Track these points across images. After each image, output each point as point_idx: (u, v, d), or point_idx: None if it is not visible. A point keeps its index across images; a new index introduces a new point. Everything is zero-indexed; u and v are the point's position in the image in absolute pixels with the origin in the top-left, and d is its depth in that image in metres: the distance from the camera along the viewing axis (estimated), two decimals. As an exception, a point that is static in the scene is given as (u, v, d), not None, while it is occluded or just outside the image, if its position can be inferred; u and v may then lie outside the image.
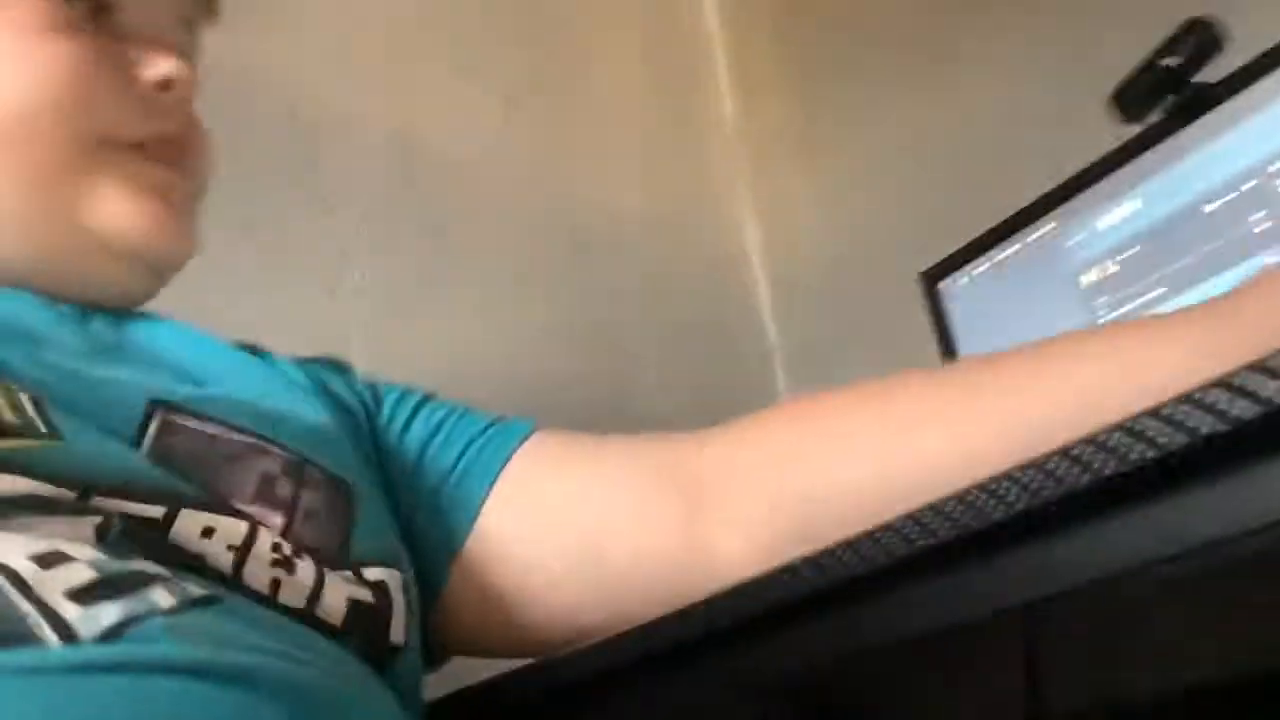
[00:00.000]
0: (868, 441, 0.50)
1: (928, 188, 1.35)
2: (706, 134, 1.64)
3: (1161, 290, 0.93)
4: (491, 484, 0.56)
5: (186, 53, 0.58)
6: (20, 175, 0.51)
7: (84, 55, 0.52)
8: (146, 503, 0.39)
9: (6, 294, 0.50)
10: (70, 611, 0.31)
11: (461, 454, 0.57)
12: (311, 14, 1.20)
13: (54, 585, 0.31)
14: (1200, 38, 0.88)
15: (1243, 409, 0.31)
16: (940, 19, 1.37)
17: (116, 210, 0.53)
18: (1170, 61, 0.89)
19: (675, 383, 1.39)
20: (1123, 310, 0.96)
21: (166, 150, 0.56)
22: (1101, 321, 0.97)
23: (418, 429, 0.59)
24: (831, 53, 1.53)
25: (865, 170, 1.45)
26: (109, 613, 0.31)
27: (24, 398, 0.39)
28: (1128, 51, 1.11)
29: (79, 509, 0.36)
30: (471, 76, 1.35)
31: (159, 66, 0.55)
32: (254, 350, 0.57)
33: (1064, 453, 0.34)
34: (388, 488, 0.56)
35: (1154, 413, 0.32)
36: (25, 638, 0.30)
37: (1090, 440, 0.34)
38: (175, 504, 0.40)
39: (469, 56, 1.36)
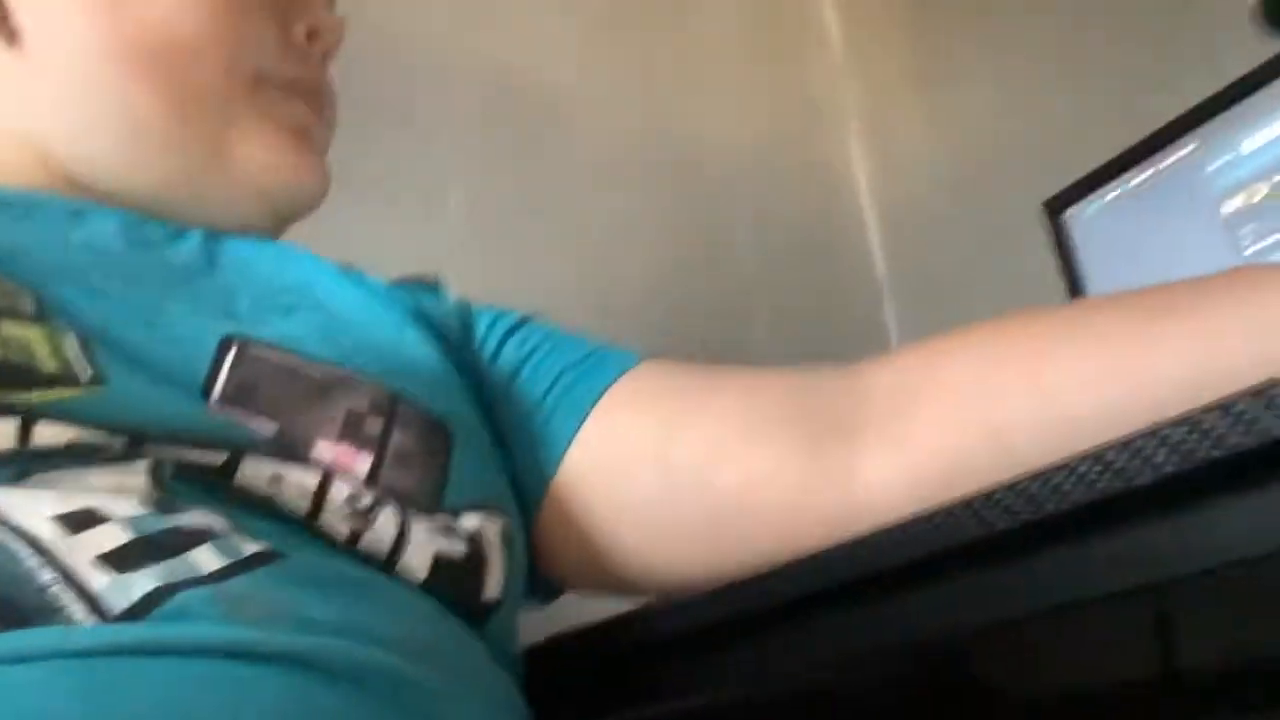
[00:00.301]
0: (1075, 364, 0.42)
1: (1052, 108, 1.26)
2: (812, 55, 1.57)
3: (1316, 218, 0.86)
4: (584, 417, 0.51)
5: (329, 7, 0.60)
6: (174, 98, 0.52)
7: None
8: (204, 449, 0.37)
9: (99, 214, 0.50)
10: (98, 581, 0.28)
11: (554, 383, 0.53)
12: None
13: (82, 550, 0.29)
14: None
15: None
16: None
17: (262, 146, 0.54)
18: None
19: (782, 314, 1.35)
20: (1270, 240, 0.89)
21: (307, 95, 0.57)
22: (1247, 254, 0.90)
23: (510, 354, 0.55)
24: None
25: (983, 90, 1.37)
26: (143, 580, 0.29)
27: (70, 339, 0.38)
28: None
29: (127, 455, 0.34)
30: (570, 4, 1.32)
31: (314, 18, 0.57)
32: (353, 274, 0.55)
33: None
34: (487, 416, 0.53)
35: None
36: (44, 613, 0.27)
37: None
38: (237, 451, 0.38)
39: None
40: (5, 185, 0.50)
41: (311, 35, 0.57)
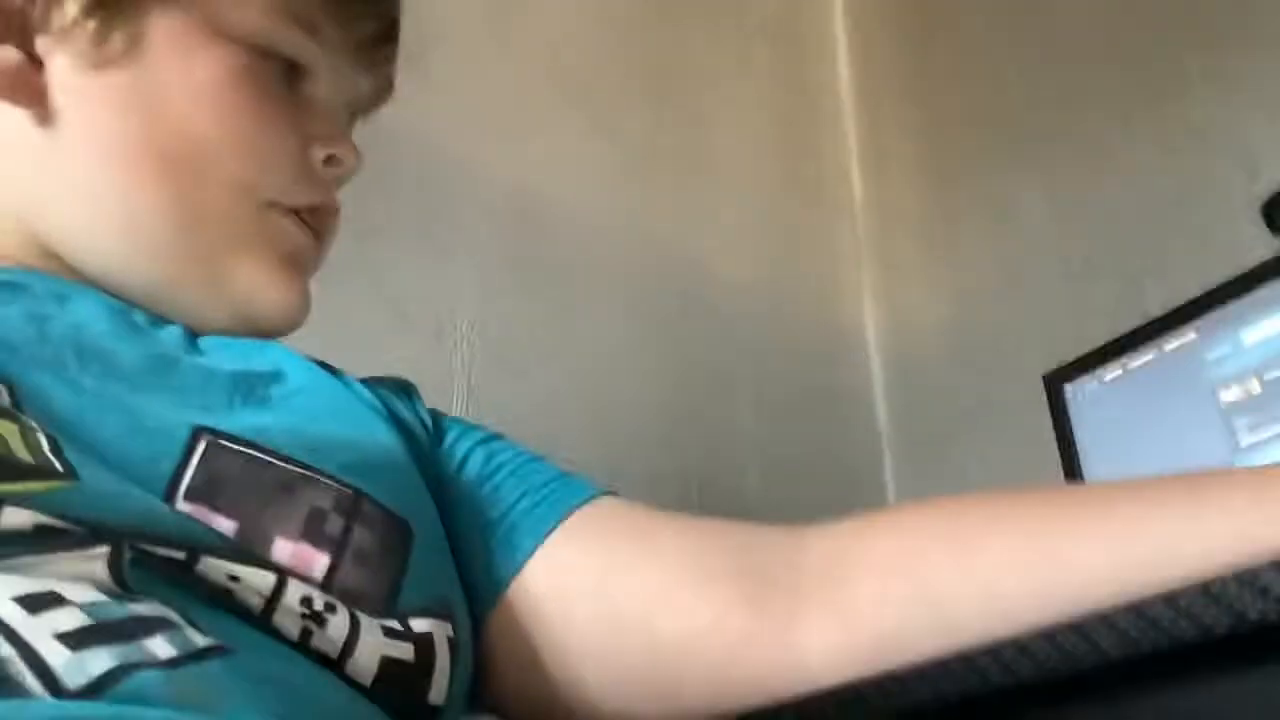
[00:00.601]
0: (1006, 546, 0.44)
1: (1060, 285, 1.29)
2: (831, 208, 1.61)
3: (1311, 417, 0.86)
4: (540, 541, 0.51)
5: (351, 140, 0.61)
6: (182, 210, 0.53)
7: (274, 116, 0.55)
8: (164, 546, 0.37)
9: (83, 296, 0.50)
10: (57, 657, 0.29)
11: (516, 503, 0.53)
12: (443, 67, 1.22)
13: (42, 629, 0.29)
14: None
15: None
16: (1083, 115, 1.32)
17: (258, 272, 0.55)
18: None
19: (778, 458, 1.35)
20: (1267, 434, 0.89)
21: (312, 218, 0.58)
22: (1243, 445, 0.90)
23: (474, 467, 0.56)
24: (968, 138, 1.49)
25: (994, 261, 1.40)
26: (100, 660, 0.29)
27: (41, 437, 0.38)
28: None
29: (86, 541, 0.34)
30: (596, 133, 1.36)
31: (335, 145, 0.58)
32: (327, 367, 0.55)
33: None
34: (444, 524, 0.53)
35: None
36: (4, 684, 0.28)
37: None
38: (195, 550, 0.38)
39: (595, 114, 1.37)
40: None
41: (329, 160, 0.58)
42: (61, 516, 0.34)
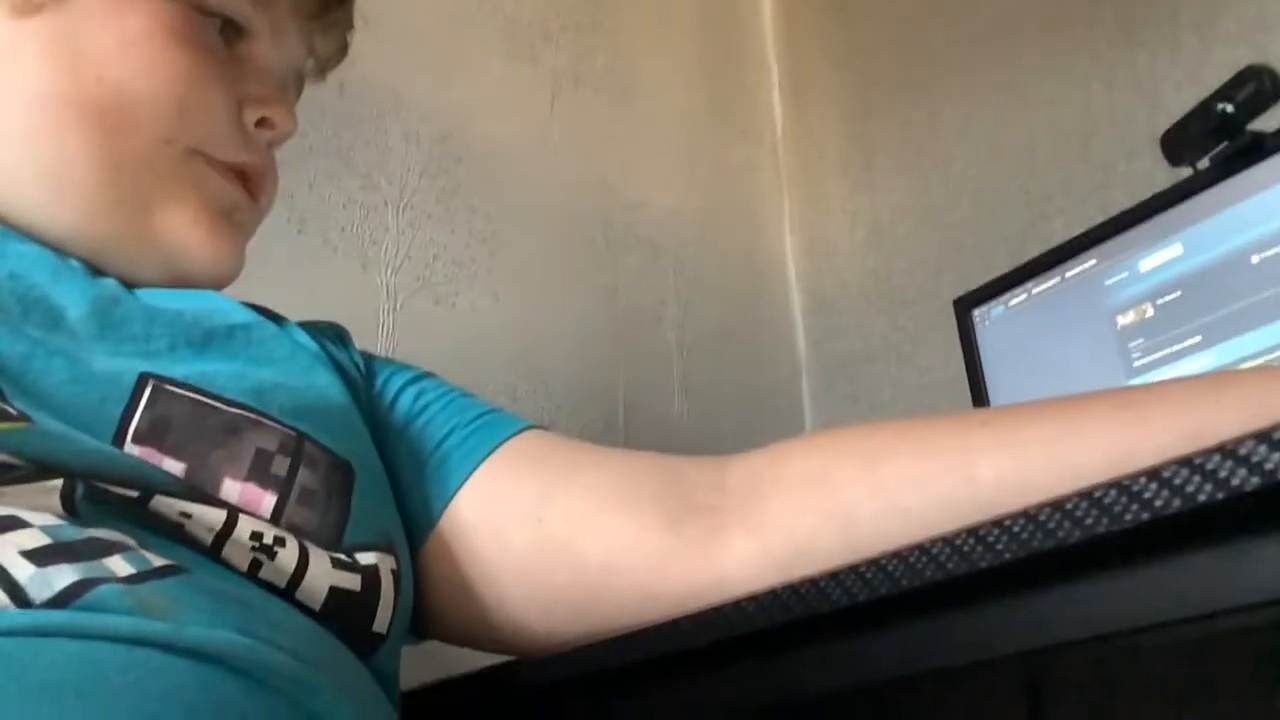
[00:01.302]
0: (911, 459, 0.47)
1: (970, 214, 1.34)
2: (754, 139, 1.63)
3: (1197, 339, 0.91)
4: (470, 471, 0.54)
5: (289, 101, 0.60)
6: (107, 156, 0.52)
7: (206, 72, 0.54)
8: (119, 486, 0.38)
9: (20, 244, 0.50)
10: (22, 572, 0.31)
11: (445, 438, 0.56)
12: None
13: (6, 547, 0.31)
14: (1257, 85, 0.86)
15: (1242, 478, 0.30)
16: (996, 48, 1.36)
17: (185, 222, 0.54)
18: (1225, 107, 0.88)
19: (701, 383, 1.38)
20: (1157, 355, 0.94)
21: (243, 177, 0.57)
22: (1136, 365, 0.96)
23: (406, 405, 0.58)
24: (885, 72, 1.52)
25: (909, 191, 1.44)
26: (63, 575, 0.31)
27: None
28: (1183, 92, 1.09)
29: (42, 475, 0.36)
30: (521, 63, 1.36)
31: (269, 108, 0.57)
32: (266, 313, 0.56)
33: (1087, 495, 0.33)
34: (382, 461, 0.55)
35: (1152, 474, 0.32)
36: None
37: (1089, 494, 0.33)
38: (149, 490, 0.39)
39: (520, 43, 1.36)
40: None
41: (263, 123, 0.58)
42: (18, 455, 0.36)
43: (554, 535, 0.52)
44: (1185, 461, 0.31)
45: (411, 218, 1.18)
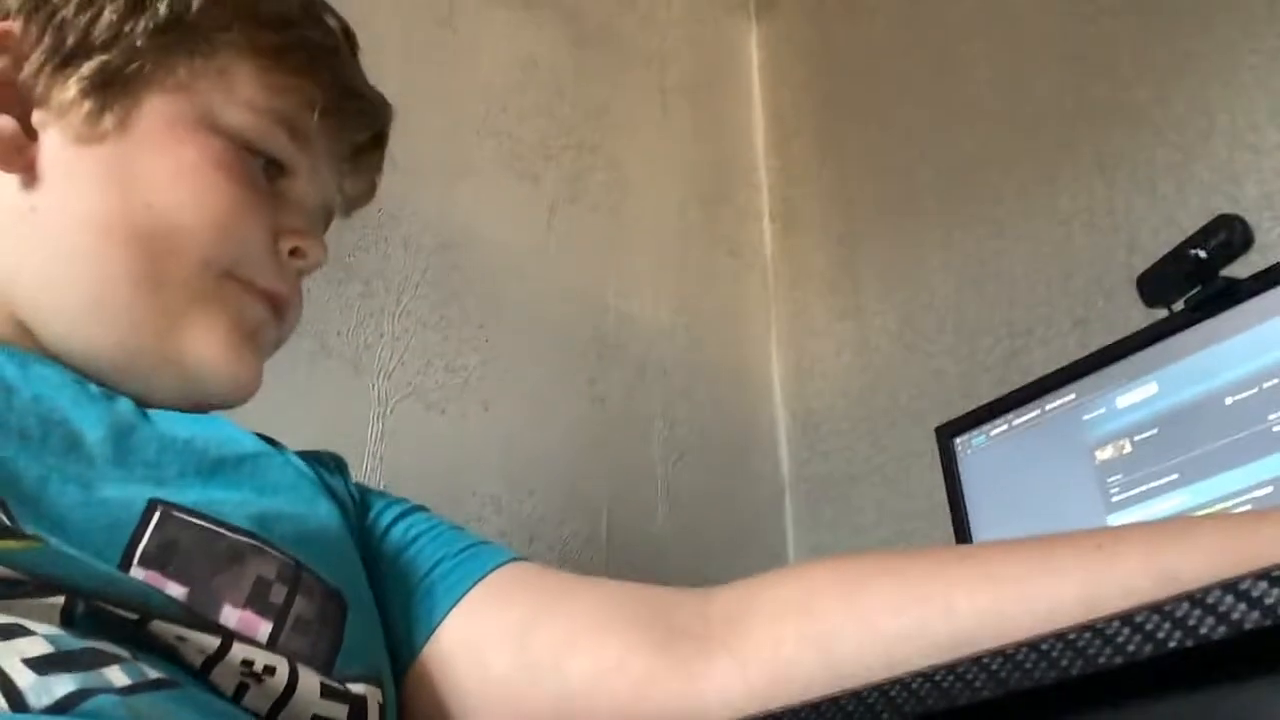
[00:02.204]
0: (891, 590, 0.49)
1: (952, 343, 1.37)
2: (744, 258, 1.67)
3: (1174, 477, 0.93)
4: (454, 602, 0.56)
5: (321, 232, 0.65)
6: (149, 277, 0.55)
7: (248, 204, 0.58)
8: (120, 608, 0.39)
9: (44, 367, 0.52)
10: (24, 678, 0.31)
11: (432, 569, 0.58)
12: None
13: (9, 654, 0.32)
14: (1230, 233, 0.90)
15: (1210, 626, 0.31)
16: (981, 185, 1.41)
17: (212, 338, 0.57)
18: (1198, 252, 0.91)
19: (685, 497, 1.39)
20: (1135, 491, 0.96)
21: (270, 299, 0.60)
22: (1114, 500, 0.97)
23: (395, 536, 0.60)
24: (870, 201, 1.57)
25: (893, 317, 1.47)
26: (63, 684, 0.32)
27: (9, 506, 0.41)
28: (1160, 235, 1.13)
29: (46, 592, 0.37)
30: (520, 178, 1.40)
31: (303, 239, 0.61)
32: (269, 442, 0.58)
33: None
34: (372, 590, 0.56)
35: (1125, 618, 0.33)
36: None
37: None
38: (149, 614, 0.40)
39: (520, 159, 1.41)
40: None
41: (295, 253, 0.61)
42: (27, 573, 0.37)
43: (537, 660, 0.53)
44: (1156, 608, 0.32)
45: (407, 324, 1.20)
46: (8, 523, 0.40)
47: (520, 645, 0.53)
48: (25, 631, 0.33)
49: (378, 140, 0.68)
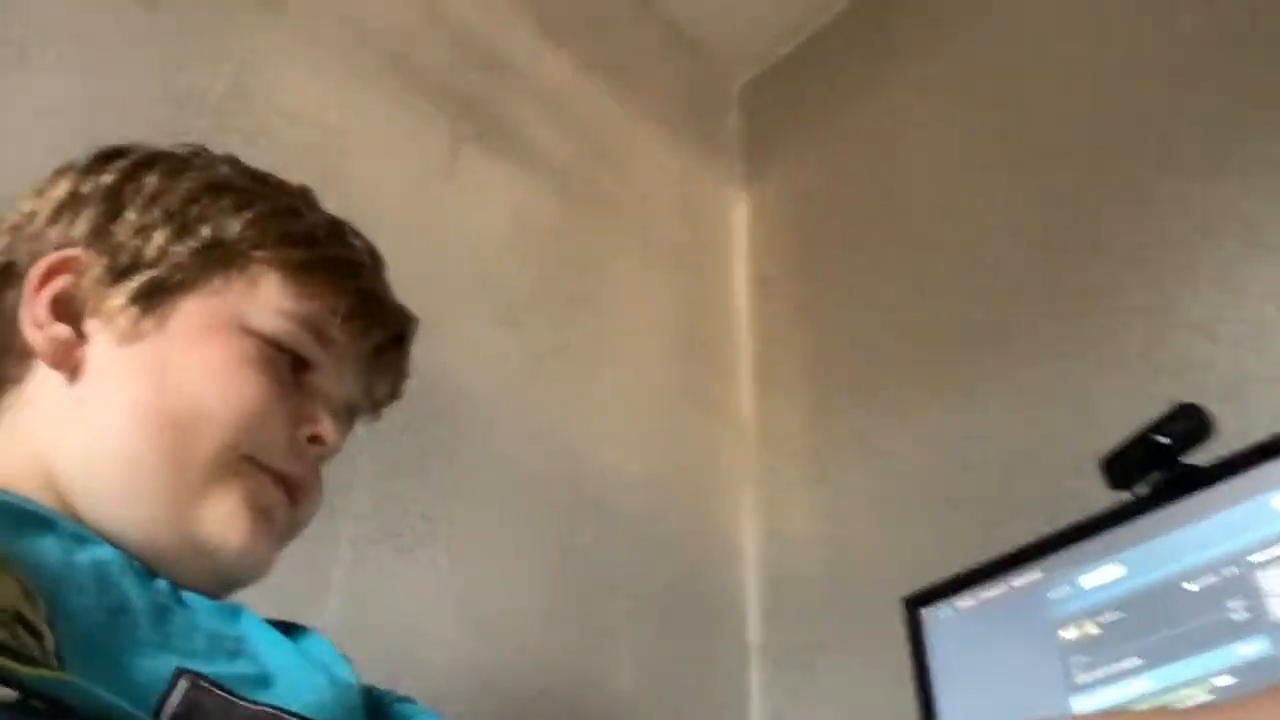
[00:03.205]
0: None
1: (924, 516, 1.38)
2: (721, 421, 1.69)
3: (1138, 662, 0.93)
4: None
5: (342, 426, 0.69)
6: (176, 455, 0.60)
7: (273, 395, 0.63)
8: None
9: (96, 544, 0.55)
10: None
11: None
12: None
13: None
14: (1190, 422, 0.93)
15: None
16: (953, 354, 1.45)
17: (226, 513, 0.61)
18: (1161, 438, 0.94)
19: (650, 658, 1.37)
20: (1099, 673, 0.96)
21: (287, 482, 0.64)
22: (1077, 681, 0.97)
23: (396, 713, 0.65)
24: (847, 373, 1.61)
25: (866, 487, 1.49)
26: None
27: (51, 645, 0.44)
28: (1123, 417, 1.17)
29: None
30: (505, 327, 1.43)
31: (323, 427, 0.65)
32: (288, 626, 0.62)
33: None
34: None
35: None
36: None
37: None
38: None
39: (506, 309, 1.44)
40: (29, 498, 0.56)
41: (314, 440, 0.65)
42: (66, 705, 0.39)
43: None
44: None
45: (385, 467, 1.21)
46: (54, 655, 0.43)
47: None
48: None
49: (399, 343, 0.73)
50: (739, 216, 1.93)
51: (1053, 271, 1.38)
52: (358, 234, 0.73)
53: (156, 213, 0.63)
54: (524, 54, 1.66)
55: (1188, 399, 0.98)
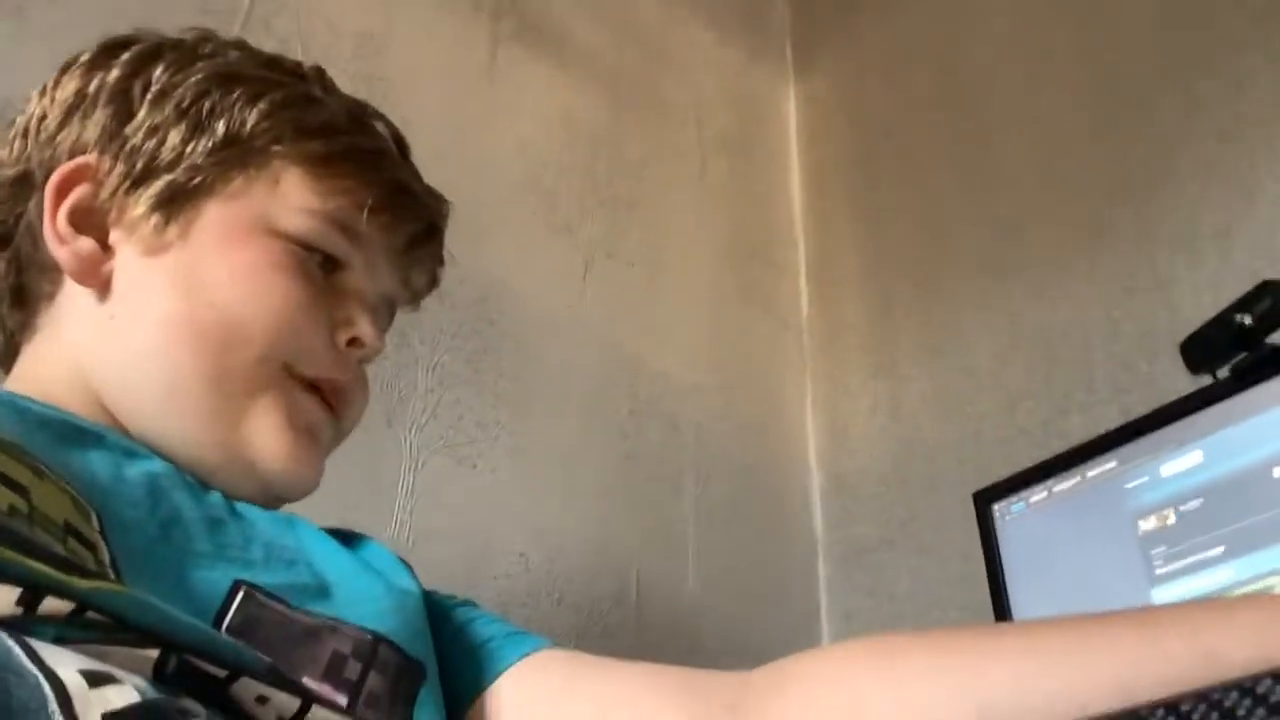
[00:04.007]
0: (925, 657, 0.50)
1: (992, 409, 1.35)
2: (780, 319, 1.66)
3: (1219, 550, 0.90)
4: (512, 662, 0.60)
5: (380, 323, 0.67)
6: (212, 370, 0.59)
7: (305, 300, 0.61)
8: (212, 663, 0.40)
9: (147, 457, 0.55)
10: None
11: (488, 640, 0.62)
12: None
13: (97, 704, 0.32)
14: (1273, 300, 0.88)
15: (1261, 717, 0.30)
16: (1019, 250, 1.39)
17: (269, 433, 0.60)
18: (1243, 319, 0.89)
19: (717, 558, 1.37)
20: (1179, 564, 0.93)
21: (330, 393, 0.63)
22: (1158, 573, 0.94)
23: (455, 617, 0.64)
24: (907, 264, 1.56)
25: (930, 380, 1.46)
26: None
27: (106, 557, 0.43)
28: (1203, 299, 1.11)
29: (139, 643, 0.38)
30: (557, 234, 1.40)
31: (360, 328, 0.64)
32: (346, 536, 0.62)
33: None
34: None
35: (1170, 706, 0.32)
36: None
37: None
38: (238, 670, 0.41)
39: (559, 216, 1.41)
40: (76, 413, 0.55)
41: (353, 343, 0.64)
42: (130, 620, 0.38)
43: (579, 715, 0.57)
44: (1203, 696, 0.31)
45: (441, 377, 1.20)
46: (109, 567, 0.42)
47: (563, 709, 0.57)
48: (114, 679, 0.34)
49: (432, 233, 0.70)
50: (790, 109, 1.86)
51: (1126, 155, 1.31)
52: (380, 116, 0.70)
53: (168, 109, 0.61)
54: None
55: (1271, 276, 0.93)
